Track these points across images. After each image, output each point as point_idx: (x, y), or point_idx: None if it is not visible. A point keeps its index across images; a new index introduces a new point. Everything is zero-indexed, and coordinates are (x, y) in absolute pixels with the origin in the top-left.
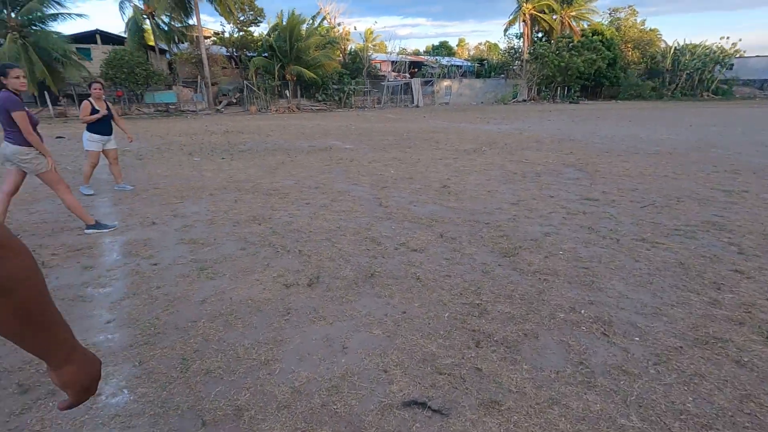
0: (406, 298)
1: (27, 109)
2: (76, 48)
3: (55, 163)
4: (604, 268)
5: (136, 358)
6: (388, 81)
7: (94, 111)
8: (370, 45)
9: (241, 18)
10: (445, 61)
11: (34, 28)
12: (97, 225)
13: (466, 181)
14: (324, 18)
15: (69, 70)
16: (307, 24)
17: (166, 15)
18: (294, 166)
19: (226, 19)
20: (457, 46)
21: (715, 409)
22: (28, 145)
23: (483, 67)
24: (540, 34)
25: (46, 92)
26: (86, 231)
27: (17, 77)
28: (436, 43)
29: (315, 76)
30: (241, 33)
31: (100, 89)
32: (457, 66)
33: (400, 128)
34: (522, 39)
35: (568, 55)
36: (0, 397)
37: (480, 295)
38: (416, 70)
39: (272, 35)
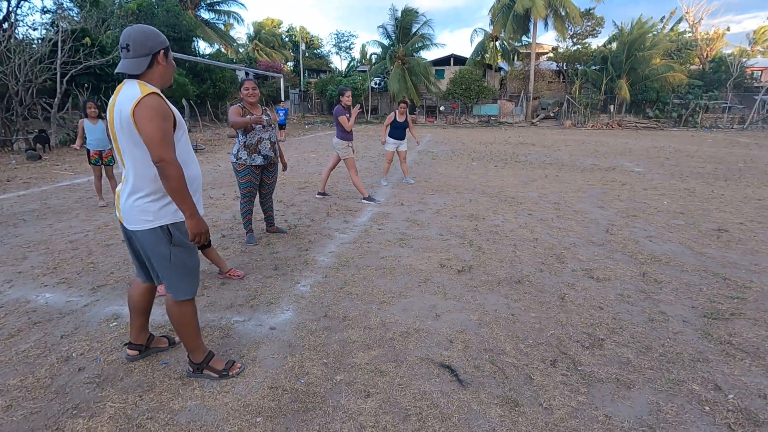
0: (529, 307)
1: (347, 115)
2: (435, 70)
3: (354, 155)
4: None
5: (324, 274)
6: (765, 94)
7: (395, 122)
8: (758, 48)
9: (578, 30)
10: None
11: (411, 57)
12: (369, 198)
13: None
14: (680, 20)
15: (426, 87)
16: (655, 31)
17: (508, 36)
18: (553, 181)
19: (561, 35)
20: None
21: None
22: (342, 138)
23: None
24: None
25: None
26: (362, 200)
27: (348, 97)
28: None
29: (626, 91)
30: (577, 47)
31: (405, 108)
32: None
33: (740, 155)
34: None
35: None
36: (293, 248)
37: (612, 334)
38: None
39: (609, 46)
